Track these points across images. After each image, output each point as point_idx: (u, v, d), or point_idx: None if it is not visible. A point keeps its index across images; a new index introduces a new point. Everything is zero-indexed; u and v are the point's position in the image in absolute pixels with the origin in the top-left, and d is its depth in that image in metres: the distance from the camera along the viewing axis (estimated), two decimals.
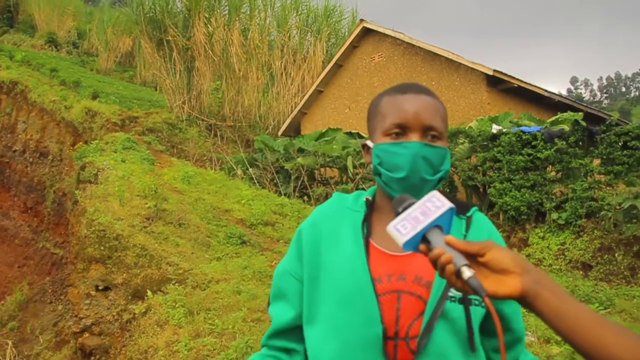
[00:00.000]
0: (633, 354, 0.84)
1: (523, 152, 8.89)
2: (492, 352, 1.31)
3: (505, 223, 8.93)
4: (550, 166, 8.81)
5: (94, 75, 23.49)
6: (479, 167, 9.50)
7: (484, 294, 0.91)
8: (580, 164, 8.38)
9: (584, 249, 7.81)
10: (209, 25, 18.25)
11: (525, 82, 12.05)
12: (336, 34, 21.99)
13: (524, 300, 0.94)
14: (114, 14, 29.51)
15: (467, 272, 0.92)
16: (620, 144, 8.14)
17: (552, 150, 8.55)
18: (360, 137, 12.69)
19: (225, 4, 19.17)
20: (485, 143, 9.44)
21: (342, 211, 1.35)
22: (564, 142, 8.53)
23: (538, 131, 8.94)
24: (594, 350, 0.87)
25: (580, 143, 8.61)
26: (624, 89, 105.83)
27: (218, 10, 18.89)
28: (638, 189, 7.42)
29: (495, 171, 9.21)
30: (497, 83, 11.95)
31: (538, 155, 8.70)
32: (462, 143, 9.76)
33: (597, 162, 8.49)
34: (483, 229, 1.31)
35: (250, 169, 12.65)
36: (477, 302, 1.21)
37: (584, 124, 8.69)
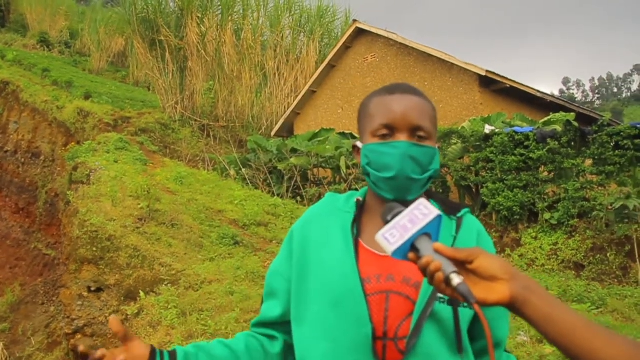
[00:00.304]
0: (622, 359, 0.84)
1: (515, 152, 8.93)
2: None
3: (498, 223, 8.96)
4: (543, 166, 8.84)
5: (87, 76, 23.37)
6: (471, 168, 9.53)
7: (473, 300, 0.91)
8: (573, 164, 8.43)
9: (576, 249, 7.85)
10: (201, 26, 18.20)
11: (518, 83, 12.09)
12: (329, 34, 22.00)
13: (513, 307, 0.94)
14: (106, 13, 29.36)
15: (456, 279, 0.92)
16: (612, 144, 8.19)
17: (545, 150, 8.59)
18: (354, 137, 12.69)
19: (218, 4, 19.12)
20: (478, 143, 9.47)
21: (333, 212, 1.36)
22: (557, 143, 8.57)
23: (530, 131, 8.98)
24: (584, 356, 0.87)
25: (573, 143, 8.65)
26: (615, 90, 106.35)
27: (211, 11, 18.84)
28: (630, 189, 7.46)
29: (488, 171, 9.24)
30: (489, 83, 11.99)
31: (530, 155, 8.73)
32: (455, 143, 9.78)
33: (589, 162, 8.54)
34: (473, 231, 1.31)
35: (243, 170, 12.63)
36: (465, 304, 1.21)
37: (576, 124, 8.73)
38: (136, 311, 5.87)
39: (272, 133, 17.01)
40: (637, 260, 7.21)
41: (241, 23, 19.84)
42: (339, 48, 15.14)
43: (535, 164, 8.81)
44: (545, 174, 8.85)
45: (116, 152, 11.31)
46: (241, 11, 20.12)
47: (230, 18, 19.19)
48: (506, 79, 11.94)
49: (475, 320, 1.26)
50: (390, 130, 1.25)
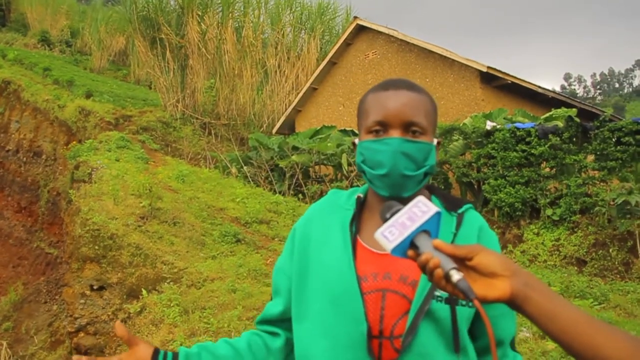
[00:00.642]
0: (624, 355, 0.84)
1: (517, 148, 8.91)
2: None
3: (499, 219, 8.95)
4: (545, 162, 8.82)
5: (88, 74, 23.40)
6: (473, 164, 9.51)
7: (473, 296, 0.90)
8: (574, 160, 8.41)
9: (579, 244, 7.84)
10: (202, 23, 18.20)
11: (519, 79, 12.07)
12: (330, 31, 21.99)
13: (514, 303, 0.93)
14: (107, 12, 29.39)
15: (455, 275, 0.92)
16: (614, 139, 8.16)
17: (546, 146, 8.57)
18: (355, 134, 12.68)
19: (219, 2, 19.12)
20: (479, 140, 9.45)
21: (334, 209, 1.36)
22: (558, 138, 8.55)
23: (532, 127, 8.96)
24: (585, 351, 0.87)
25: (574, 139, 8.63)
26: (617, 85, 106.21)
27: (211, 8, 18.84)
28: (632, 185, 7.45)
29: (490, 168, 9.22)
30: (491, 80, 11.97)
31: (532, 151, 8.71)
32: (457, 140, 9.77)
33: (591, 158, 8.52)
34: (474, 228, 1.29)
35: (244, 167, 12.63)
36: (463, 303, 1.20)
37: (577, 120, 8.71)
38: (139, 309, 5.89)
39: (274, 130, 17.01)
40: None
41: (242, 21, 19.84)
42: (340, 45, 15.12)
43: (537, 160, 8.79)
44: (547, 169, 8.83)
45: (117, 150, 11.32)
46: (242, 9, 20.13)
47: (230, 16, 19.18)
48: (507, 75, 11.91)
49: (477, 319, 1.24)
50: (384, 126, 1.24)
